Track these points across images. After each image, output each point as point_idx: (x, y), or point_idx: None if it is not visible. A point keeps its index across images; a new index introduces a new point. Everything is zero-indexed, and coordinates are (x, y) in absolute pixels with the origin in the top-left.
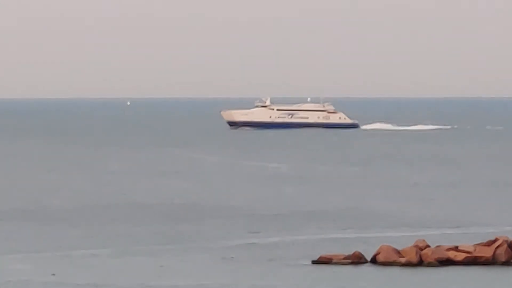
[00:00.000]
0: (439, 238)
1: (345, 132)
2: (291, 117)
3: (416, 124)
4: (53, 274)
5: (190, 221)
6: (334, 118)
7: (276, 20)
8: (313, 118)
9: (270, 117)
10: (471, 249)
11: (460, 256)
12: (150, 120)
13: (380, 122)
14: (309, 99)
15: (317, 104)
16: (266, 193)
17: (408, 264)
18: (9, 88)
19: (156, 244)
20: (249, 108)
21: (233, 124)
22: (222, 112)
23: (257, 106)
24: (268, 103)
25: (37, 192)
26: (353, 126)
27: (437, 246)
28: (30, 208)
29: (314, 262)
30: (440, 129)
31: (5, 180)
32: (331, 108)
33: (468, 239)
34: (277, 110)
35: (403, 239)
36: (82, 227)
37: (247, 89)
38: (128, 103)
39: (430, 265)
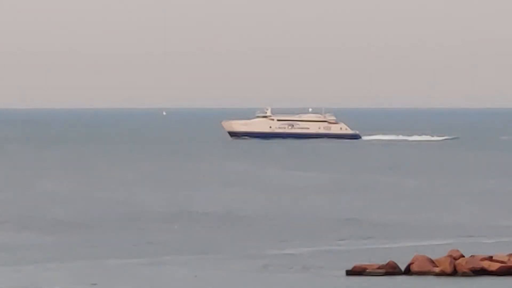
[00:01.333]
0: (473, 247)
1: (348, 143)
2: (291, 128)
3: (420, 135)
4: (94, 284)
5: (223, 230)
6: (335, 129)
7: (278, 30)
8: (314, 128)
9: (271, 127)
10: (505, 259)
11: (495, 266)
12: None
13: (383, 133)
14: (310, 110)
15: (318, 115)
16: (297, 202)
17: (442, 274)
18: (46, 98)
19: (190, 254)
20: (250, 118)
21: (233, 134)
22: (222, 122)
23: (258, 117)
24: (269, 113)
25: (68, 201)
26: (355, 136)
27: (471, 256)
28: (60, 216)
29: (348, 272)
30: (447, 139)
31: (37, 189)
32: (332, 118)
33: (503, 249)
34: (278, 120)
35: (437, 248)
36: (114, 236)
37: (248, 99)
38: (164, 113)
39: (464, 275)
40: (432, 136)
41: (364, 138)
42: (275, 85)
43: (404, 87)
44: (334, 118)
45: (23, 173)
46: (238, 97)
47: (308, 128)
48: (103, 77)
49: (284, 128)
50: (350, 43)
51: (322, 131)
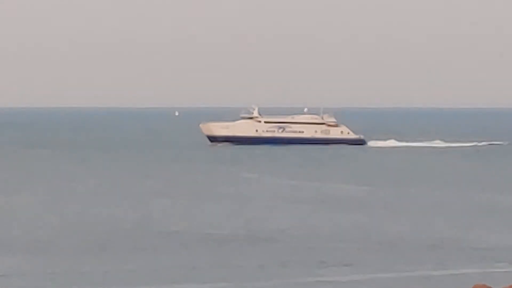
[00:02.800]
0: None
1: (351, 149)
2: (282, 131)
3: (434, 140)
4: None
5: (244, 253)
6: (335, 133)
7: (269, 18)
8: (309, 132)
9: (257, 131)
10: None
11: None
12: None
13: (392, 138)
14: (305, 110)
15: (314, 116)
16: (325, 219)
17: None
18: (55, 97)
19: (205, 282)
20: (234, 120)
21: (213, 139)
22: (201, 125)
23: (242, 118)
24: (255, 114)
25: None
26: (359, 142)
27: None
28: (106, 237)
29: None
30: (473, 146)
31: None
32: (331, 120)
33: None
34: (265, 122)
35: (499, 276)
36: (121, 260)
37: (233, 97)
38: (177, 113)
39: None
40: (463, 142)
41: (370, 144)
42: (264, 80)
43: (415, 85)
44: (334, 119)
45: None
46: (221, 95)
47: (303, 132)
48: (102, 75)
49: (273, 131)
50: (354, 34)
51: (319, 135)
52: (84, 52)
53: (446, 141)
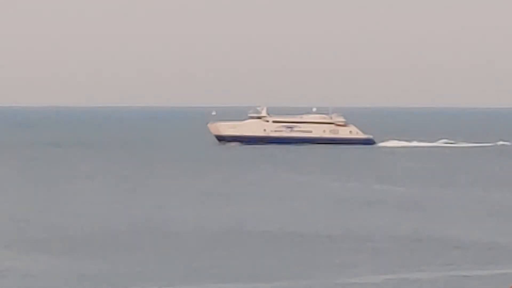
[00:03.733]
0: None
1: (360, 149)
2: (290, 131)
3: (441, 139)
4: None
5: (282, 253)
6: (344, 132)
7: (277, 18)
8: (317, 132)
9: (265, 130)
10: None
11: None
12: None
13: (402, 139)
14: (314, 109)
15: (323, 115)
16: (359, 218)
17: None
18: (93, 97)
19: (240, 282)
20: (243, 119)
21: (221, 138)
22: (209, 125)
23: (251, 117)
24: (264, 113)
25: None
26: (368, 142)
27: None
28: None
29: None
30: (477, 146)
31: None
32: (340, 120)
33: None
34: (273, 122)
35: None
36: (151, 260)
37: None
38: (214, 112)
39: None
40: (455, 141)
41: (380, 144)
42: (273, 80)
43: (426, 84)
44: (343, 119)
45: None
46: (229, 94)
47: (311, 132)
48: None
49: (281, 131)
50: (363, 32)
51: (327, 135)
52: (113, 51)
53: (465, 141)
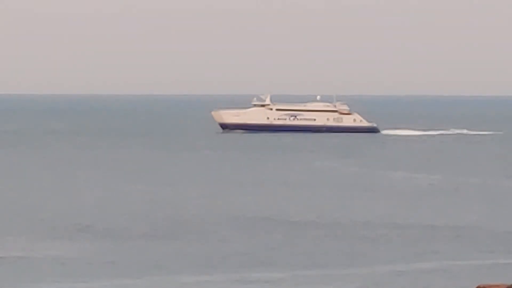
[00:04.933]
0: None
1: (364, 137)
2: (293, 119)
3: (448, 128)
4: None
5: (333, 242)
6: (348, 121)
7: (281, 5)
8: (321, 120)
9: (268, 118)
10: None
11: None
12: None
13: (406, 127)
14: (318, 97)
15: (327, 104)
16: (418, 209)
17: None
18: (104, 85)
19: (292, 269)
20: (247, 107)
21: (224, 126)
22: (212, 112)
23: (255, 105)
24: (267, 101)
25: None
26: (372, 130)
27: None
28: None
29: None
30: (482, 134)
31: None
32: (344, 108)
33: None
34: (277, 110)
35: None
36: (190, 247)
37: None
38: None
39: None
40: (462, 129)
41: (384, 132)
42: (279, 68)
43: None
44: (347, 107)
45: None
46: (234, 82)
47: (314, 120)
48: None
49: (285, 119)
50: (369, 19)
51: (331, 123)
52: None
53: (468, 130)
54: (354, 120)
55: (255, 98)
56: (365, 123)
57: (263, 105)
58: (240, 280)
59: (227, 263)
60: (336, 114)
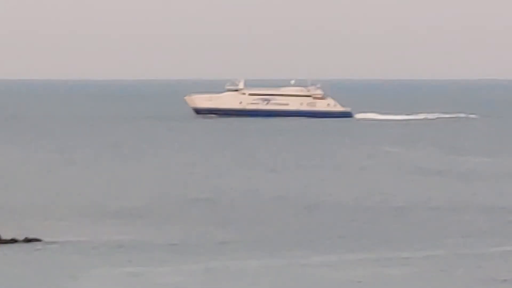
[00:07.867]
0: None
1: (337, 122)
2: (266, 103)
3: (421, 112)
4: (359, 282)
5: (380, 224)
6: (321, 105)
7: None
8: (294, 104)
9: (241, 103)
10: None
11: None
12: None
13: (376, 111)
14: (293, 82)
15: (300, 88)
16: (456, 192)
17: None
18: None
19: (342, 252)
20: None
21: (198, 111)
22: (186, 97)
23: (228, 90)
24: (241, 86)
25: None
26: (345, 115)
27: None
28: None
29: None
30: (456, 117)
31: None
32: (318, 92)
33: None
34: (250, 95)
35: None
36: (251, 231)
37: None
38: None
39: None
40: (434, 113)
41: (357, 116)
42: (253, 52)
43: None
44: (321, 92)
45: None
46: (211, 67)
47: (287, 104)
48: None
49: (258, 104)
50: (345, 1)
51: (304, 107)
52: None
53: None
54: (328, 104)
55: (228, 83)
56: (339, 108)
57: (236, 90)
58: (301, 264)
59: (280, 245)
60: (310, 99)
